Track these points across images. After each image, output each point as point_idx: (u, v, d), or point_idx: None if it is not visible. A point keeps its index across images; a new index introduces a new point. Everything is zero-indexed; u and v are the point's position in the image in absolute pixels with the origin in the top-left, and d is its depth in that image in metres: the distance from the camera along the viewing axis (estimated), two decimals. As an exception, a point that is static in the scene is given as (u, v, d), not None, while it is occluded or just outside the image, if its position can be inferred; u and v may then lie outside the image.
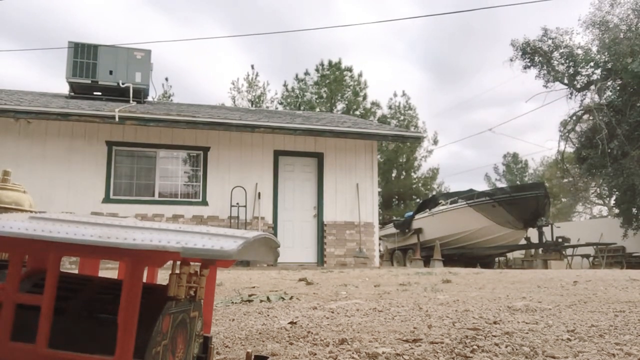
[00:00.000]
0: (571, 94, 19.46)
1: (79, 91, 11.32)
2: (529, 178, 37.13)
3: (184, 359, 1.01)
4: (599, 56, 18.42)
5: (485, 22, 63.91)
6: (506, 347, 1.79)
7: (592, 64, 18.52)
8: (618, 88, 17.92)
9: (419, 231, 14.72)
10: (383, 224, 18.03)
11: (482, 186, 37.69)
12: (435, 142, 29.56)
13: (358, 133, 10.89)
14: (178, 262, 0.93)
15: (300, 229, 10.87)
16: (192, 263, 0.96)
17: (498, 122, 78.25)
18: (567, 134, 20.43)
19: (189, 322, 1.02)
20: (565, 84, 19.53)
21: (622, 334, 1.99)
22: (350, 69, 28.05)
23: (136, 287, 0.81)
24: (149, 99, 12.80)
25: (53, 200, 9.37)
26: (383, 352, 1.73)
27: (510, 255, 16.22)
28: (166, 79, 29.93)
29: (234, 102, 27.44)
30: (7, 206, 1.30)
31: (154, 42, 50.42)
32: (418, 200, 25.43)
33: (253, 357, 1.22)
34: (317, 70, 28.17)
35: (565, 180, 28.51)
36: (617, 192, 18.61)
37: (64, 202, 9.51)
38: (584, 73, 19.06)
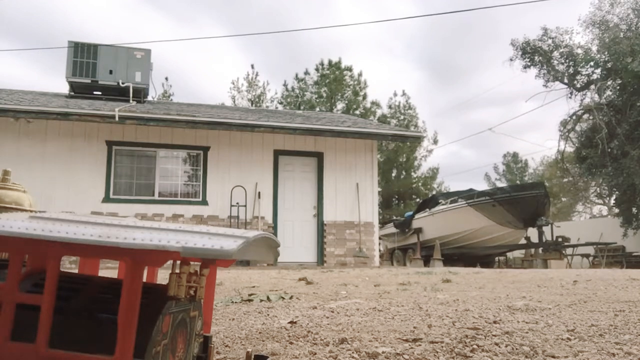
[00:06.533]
0: (571, 93, 19.46)
1: (78, 91, 11.31)
2: (529, 178, 37.10)
3: (184, 358, 1.01)
4: (599, 56, 18.41)
5: (484, 21, 63.91)
6: (506, 346, 1.79)
7: (592, 63, 18.52)
8: (618, 88, 17.91)
9: (418, 231, 14.71)
10: (383, 223, 18.02)
11: (482, 186, 37.66)
12: (435, 141, 29.56)
13: (358, 133, 10.89)
14: (178, 262, 0.93)
15: (300, 228, 10.87)
16: (192, 262, 0.95)
17: (498, 121, 78.19)
18: (567, 134, 20.43)
19: (189, 322, 1.02)
20: (565, 84, 19.53)
21: (622, 334, 1.99)
22: (350, 69, 28.04)
23: (136, 287, 0.81)
24: (149, 98, 12.80)
25: (53, 200, 9.37)
26: (383, 352, 1.73)
27: (510, 254, 16.21)
28: (166, 79, 29.91)
29: (234, 101, 27.45)
30: (7, 206, 1.30)
31: (153, 41, 50.42)
32: (418, 200, 25.42)
33: (253, 356, 1.22)
34: (317, 69, 28.16)
35: (565, 179, 28.53)
36: (617, 192, 18.61)
37: (64, 201, 9.51)
38: (584, 73, 19.06)
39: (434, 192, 27.28)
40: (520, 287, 4.24)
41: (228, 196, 10.41)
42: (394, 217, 20.94)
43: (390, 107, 29.14)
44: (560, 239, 12.95)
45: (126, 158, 10.25)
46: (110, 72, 10.92)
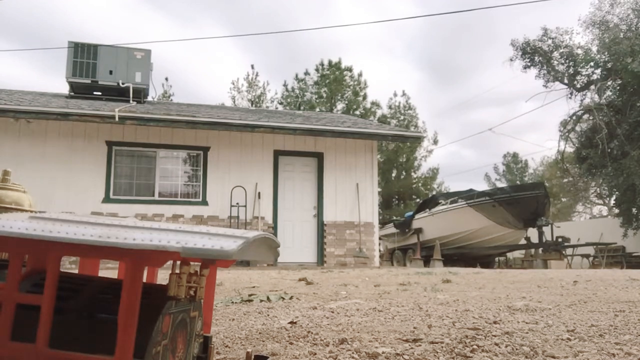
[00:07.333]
0: (571, 93, 19.47)
1: (78, 91, 11.31)
2: (529, 178, 37.10)
3: (184, 359, 1.01)
4: (599, 56, 18.42)
5: (484, 21, 63.91)
6: (506, 346, 1.79)
7: (592, 63, 18.52)
8: (618, 88, 17.91)
9: (418, 231, 14.71)
10: (383, 223, 18.03)
11: (482, 186, 37.67)
12: (435, 141, 29.56)
13: (358, 133, 10.89)
14: (178, 262, 0.93)
15: (300, 228, 10.87)
16: (192, 263, 0.95)
17: (498, 122, 78.19)
18: (567, 134, 20.44)
19: (189, 322, 1.02)
20: (565, 84, 19.54)
21: (622, 334, 1.99)
22: (350, 69, 28.04)
23: (136, 287, 0.81)
24: (149, 98, 12.80)
25: (53, 200, 9.37)
26: (383, 352, 1.73)
27: (510, 255, 16.20)
28: (166, 79, 29.92)
29: (234, 102, 27.45)
30: (7, 206, 1.30)
31: (153, 41, 50.41)
32: (418, 200, 25.42)
33: (253, 357, 1.22)
34: (317, 70, 28.16)
35: (565, 180, 28.55)
36: (617, 192, 18.60)
37: (64, 201, 9.50)
38: (584, 73, 19.07)
39: (434, 193, 27.27)
40: (520, 287, 4.24)
41: (228, 196, 10.41)
42: (394, 218, 20.94)
43: (390, 107, 29.16)
44: (560, 239, 12.95)
45: (126, 158, 10.25)
46: (110, 72, 10.92)
